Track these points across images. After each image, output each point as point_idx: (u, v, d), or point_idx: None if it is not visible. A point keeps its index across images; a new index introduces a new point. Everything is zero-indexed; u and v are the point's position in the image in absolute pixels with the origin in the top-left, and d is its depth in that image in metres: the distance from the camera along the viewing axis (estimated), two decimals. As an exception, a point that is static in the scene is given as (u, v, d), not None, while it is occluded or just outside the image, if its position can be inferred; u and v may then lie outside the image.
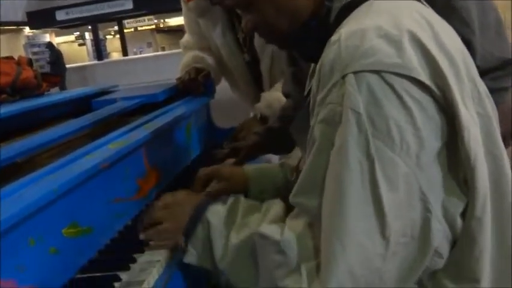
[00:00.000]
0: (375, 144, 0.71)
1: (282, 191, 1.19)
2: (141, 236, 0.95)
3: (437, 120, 0.73)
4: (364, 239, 0.71)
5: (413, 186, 0.72)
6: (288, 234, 0.81)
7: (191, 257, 0.91)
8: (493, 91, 0.85)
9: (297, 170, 1.20)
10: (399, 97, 0.71)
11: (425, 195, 0.72)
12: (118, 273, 0.88)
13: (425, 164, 0.72)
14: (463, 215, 0.75)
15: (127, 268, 0.90)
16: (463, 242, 0.76)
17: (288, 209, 0.91)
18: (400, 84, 0.71)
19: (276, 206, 0.91)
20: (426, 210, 0.73)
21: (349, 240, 0.71)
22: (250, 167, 1.22)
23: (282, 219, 0.88)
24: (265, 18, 0.87)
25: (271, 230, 0.83)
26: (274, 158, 1.84)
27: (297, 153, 1.38)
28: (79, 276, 0.89)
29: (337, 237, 0.72)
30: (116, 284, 0.85)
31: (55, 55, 11.35)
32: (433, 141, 0.73)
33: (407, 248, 0.73)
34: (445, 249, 0.76)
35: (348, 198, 0.71)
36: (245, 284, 0.86)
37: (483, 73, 0.89)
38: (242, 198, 0.95)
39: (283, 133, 1.42)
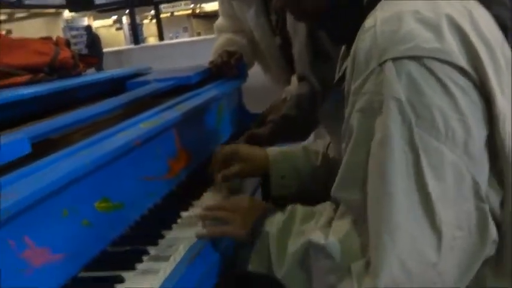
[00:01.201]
0: (419, 133, 0.69)
1: (305, 177, 1.19)
2: (203, 231, 0.94)
3: (480, 107, 0.71)
4: (414, 230, 0.69)
5: (463, 175, 0.70)
6: (330, 237, 0.79)
7: (252, 266, 0.90)
8: None
9: (324, 156, 1.20)
10: (441, 83, 0.69)
11: (478, 184, 0.70)
12: (147, 247, 0.90)
13: (474, 152, 0.70)
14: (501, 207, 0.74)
15: (155, 243, 0.92)
16: (501, 237, 0.74)
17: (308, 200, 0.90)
18: (442, 69, 0.69)
19: (326, 211, 0.88)
20: (480, 199, 0.71)
21: (398, 232, 0.69)
22: (272, 149, 1.20)
23: (330, 224, 0.86)
24: None
25: (317, 235, 0.81)
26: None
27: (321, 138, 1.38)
28: (109, 249, 0.92)
29: (386, 230, 0.70)
30: (144, 258, 0.87)
31: (92, 39, 11.55)
32: (480, 128, 0.71)
33: (465, 241, 0.70)
34: (497, 237, 0.73)
35: (393, 190, 0.69)
36: None
37: None
38: (299, 206, 0.93)
39: (298, 120, 1.42)
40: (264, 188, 1.20)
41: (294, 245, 0.85)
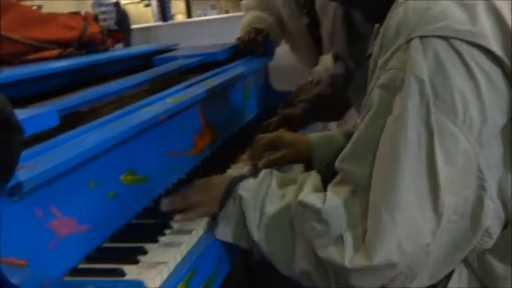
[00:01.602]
0: (436, 115, 0.68)
1: None
2: (177, 218, 0.91)
3: (505, 95, 0.69)
4: (416, 212, 0.69)
5: (471, 162, 0.69)
6: (331, 201, 0.77)
7: (224, 234, 0.87)
8: None
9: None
10: (467, 67, 0.68)
11: (482, 173, 0.69)
12: (170, 221, 0.92)
13: (486, 141, 0.69)
14: None
15: (179, 217, 0.93)
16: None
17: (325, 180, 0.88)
18: (470, 53, 0.68)
19: (312, 177, 0.87)
20: (481, 188, 0.70)
21: (400, 212, 0.69)
22: (314, 135, 1.19)
23: (321, 189, 0.84)
24: None
25: (311, 198, 0.79)
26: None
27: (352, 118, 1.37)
28: (134, 221, 0.94)
29: (388, 208, 0.69)
30: (167, 231, 0.89)
31: (121, 15, 11.59)
32: (498, 116, 0.70)
33: (456, 226, 0.70)
34: (495, 229, 0.73)
35: (401, 169, 0.69)
36: (281, 256, 0.82)
37: None
38: (275, 171, 0.91)
39: (332, 100, 1.40)
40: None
41: (272, 207, 0.83)
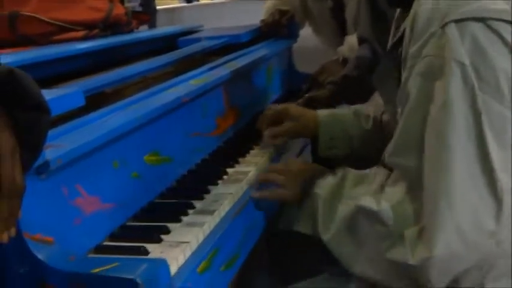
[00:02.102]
0: (482, 97, 0.67)
1: (355, 140, 1.16)
2: (255, 194, 0.94)
3: None
4: (473, 198, 0.68)
5: None
6: (386, 202, 0.77)
7: (298, 227, 0.89)
8: None
9: (380, 121, 1.17)
10: (507, 45, 0.67)
11: None
12: (192, 201, 0.93)
13: None
14: None
15: (201, 198, 0.95)
16: None
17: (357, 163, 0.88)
18: (508, 30, 0.67)
19: (378, 177, 0.86)
20: None
21: (456, 197, 0.68)
22: (322, 111, 1.18)
23: (382, 190, 0.83)
24: None
25: (368, 201, 0.79)
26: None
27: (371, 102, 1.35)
28: (157, 200, 0.95)
29: (443, 195, 0.68)
30: (190, 211, 0.90)
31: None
32: None
33: None
34: None
35: (453, 156, 0.68)
36: (348, 258, 0.82)
37: None
38: (351, 170, 0.91)
39: (359, 81, 1.39)
40: (314, 149, 1.19)
41: (344, 209, 0.83)
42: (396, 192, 0.78)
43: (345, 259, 0.83)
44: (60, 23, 1.36)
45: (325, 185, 0.88)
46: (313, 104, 1.38)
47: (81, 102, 0.82)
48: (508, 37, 0.67)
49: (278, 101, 1.63)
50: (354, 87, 1.40)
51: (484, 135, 0.67)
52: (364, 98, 1.44)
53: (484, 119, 0.67)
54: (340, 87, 1.40)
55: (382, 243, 0.76)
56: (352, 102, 1.56)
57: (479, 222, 0.68)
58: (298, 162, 1.02)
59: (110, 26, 1.46)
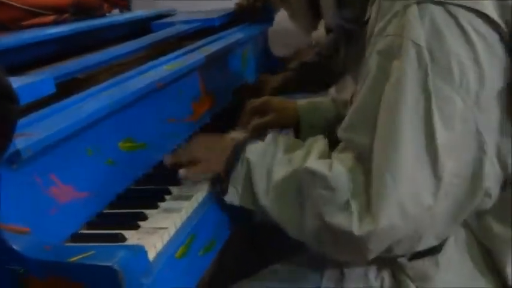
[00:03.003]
0: (434, 79, 0.68)
1: (333, 126, 1.18)
2: (181, 172, 0.91)
3: (502, 59, 0.70)
4: (416, 173, 0.70)
5: (470, 126, 0.70)
6: (337, 168, 0.77)
7: (232, 196, 0.87)
8: None
9: (350, 103, 1.19)
10: (463, 31, 0.68)
11: (481, 135, 0.70)
12: (169, 187, 0.92)
13: (485, 103, 0.70)
14: None
15: (178, 184, 0.94)
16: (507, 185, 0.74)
17: (333, 145, 0.87)
18: (466, 17, 0.68)
19: (319, 143, 0.87)
20: (480, 150, 0.71)
21: (401, 173, 0.70)
22: (301, 101, 1.20)
23: (327, 155, 0.84)
24: None
25: (318, 165, 0.79)
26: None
27: (349, 86, 1.36)
28: (133, 187, 0.94)
29: (389, 170, 0.70)
30: (167, 197, 0.90)
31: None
32: (496, 80, 0.70)
33: (459, 188, 0.72)
34: (495, 190, 0.74)
35: (401, 133, 0.70)
36: (289, 221, 0.82)
37: None
38: (281, 135, 0.91)
39: (319, 69, 1.40)
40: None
41: (280, 171, 0.83)
42: (347, 159, 0.78)
43: (284, 223, 0.83)
44: (30, 8, 1.33)
45: (255, 150, 0.87)
46: (263, 85, 1.39)
47: (51, 89, 0.80)
48: (465, 23, 0.68)
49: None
50: (312, 75, 1.41)
51: (431, 115, 0.69)
52: (320, 87, 1.45)
53: (433, 100, 0.69)
54: (299, 74, 1.41)
55: (325, 207, 0.76)
56: (310, 90, 1.57)
57: (419, 197, 0.70)
58: (222, 135, 1.01)
59: (81, 10, 1.43)
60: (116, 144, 0.93)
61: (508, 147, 0.73)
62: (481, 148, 0.71)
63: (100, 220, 0.85)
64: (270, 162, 0.85)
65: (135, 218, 0.82)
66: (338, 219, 0.75)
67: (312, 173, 0.78)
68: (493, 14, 0.68)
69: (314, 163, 0.80)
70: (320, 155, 0.84)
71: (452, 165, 0.70)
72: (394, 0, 0.72)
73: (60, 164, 0.79)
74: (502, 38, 0.69)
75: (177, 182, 0.94)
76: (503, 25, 0.69)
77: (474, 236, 0.79)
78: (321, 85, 1.45)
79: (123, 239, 0.76)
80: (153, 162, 1.03)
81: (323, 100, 1.21)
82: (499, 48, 0.69)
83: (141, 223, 0.81)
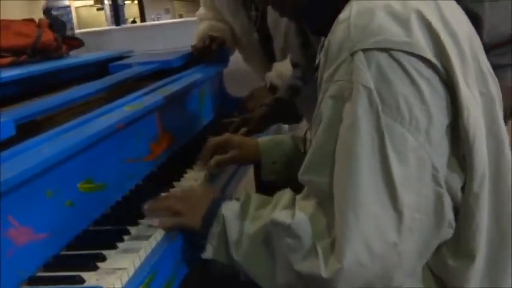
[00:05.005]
0: (385, 119, 0.73)
1: (293, 162, 1.20)
2: (155, 223, 0.93)
3: (443, 97, 0.75)
4: (377, 209, 0.72)
5: (424, 161, 0.73)
6: (298, 216, 0.80)
7: (208, 252, 0.90)
8: (496, 67, 0.87)
9: (304, 140, 1.24)
10: (407, 74, 0.73)
11: (436, 170, 0.74)
12: (128, 227, 0.93)
13: (436, 139, 0.74)
14: (462, 190, 0.78)
15: (136, 223, 0.95)
16: (461, 217, 0.78)
17: (298, 193, 0.90)
18: (408, 61, 0.73)
19: (286, 195, 0.91)
20: (438, 184, 0.75)
21: (362, 210, 0.72)
22: (262, 138, 1.24)
23: (292, 205, 0.86)
24: None
25: (281, 215, 0.82)
26: (285, 128, 1.88)
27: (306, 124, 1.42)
28: (92, 228, 0.95)
29: (351, 208, 0.73)
30: (125, 237, 0.90)
31: (54, 21, 11.31)
32: (442, 117, 0.75)
33: (422, 223, 0.74)
34: (453, 221, 0.78)
35: (359, 170, 0.73)
36: (262, 275, 0.85)
37: (488, 49, 0.90)
38: (254, 194, 0.95)
39: (292, 103, 1.46)
40: (257, 175, 1.23)
41: (251, 227, 0.87)
42: (308, 206, 0.82)
43: (257, 278, 0.86)
44: (-14, 50, 1.33)
45: (230, 207, 0.90)
46: (247, 124, 1.43)
47: (11, 131, 0.81)
48: (407, 66, 0.73)
49: (210, 125, 1.66)
50: (286, 109, 1.46)
51: (386, 152, 0.73)
52: (296, 118, 1.51)
53: (387, 138, 0.73)
54: (273, 109, 1.46)
55: (293, 256, 0.79)
56: (285, 122, 1.63)
57: (383, 234, 0.73)
58: (199, 188, 1.05)
59: (38, 52, 1.44)
60: (75, 186, 0.94)
61: (457, 181, 0.77)
62: (437, 182, 0.75)
63: (57, 262, 0.84)
64: (243, 218, 0.89)
65: (93, 259, 0.82)
66: (306, 265, 0.77)
67: (277, 224, 0.82)
68: (431, 56, 0.74)
69: (278, 214, 0.83)
70: (285, 206, 0.87)
71: (412, 199, 0.73)
72: (340, 49, 0.77)
73: (18, 206, 0.79)
74: (440, 78, 0.75)
75: (135, 222, 0.95)
76: (440, 66, 0.75)
77: (429, 268, 0.82)
78: (293, 119, 1.51)
79: (81, 280, 0.76)
80: (111, 202, 1.04)
81: (283, 137, 1.25)
82: (440, 88, 0.75)
83: (99, 264, 0.81)
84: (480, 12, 1.04)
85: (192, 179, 1.18)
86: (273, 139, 1.24)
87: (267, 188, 1.02)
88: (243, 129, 1.42)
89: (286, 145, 1.22)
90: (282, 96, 1.48)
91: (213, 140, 1.22)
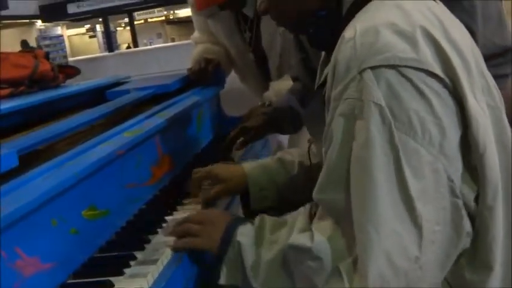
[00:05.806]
0: (398, 135, 0.73)
1: (283, 187, 1.20)
2: (173, 246, 0.94)
3: (454, 110, 0.76)
4: (397, 225, 0.73)
5: (440, 174, 0.74)
6: (317, 238, 0.81)
7: (223, 277, 0.90)
8: (495, 77, 0.87)
9: (300, 164, 1.22)
10: (417, 89, 0.74)
11: (453, 182, 0.75)
12: (134, 252, 0.93)
13: (449, 151, 0.75)
14: (475, 201, 0.78)
15: (142, 248, 0.95)
16: (476, 229, 0.78)
17: (311, 216, 0.91)
18: (417, 76, 0.74)
19: (300, 217, 0.91)
20: (454, 196, 0.75)
21: (382, 227, 0.72)
22: (248, 164, 1.21)
23: (307, 228, 0.87)
24: (277, 3, 0.91)
25: (300, 239, 0.83)
26: (284, 141, 1.89)
27: (296, 147, 1.43)
28: (98, 255, 0.95)
29: (371, 225, 0.73)
30: (132, 263, 0.90)
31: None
32: (454, 129, 0.76)
33: (442, 235, 0.75)
34: (471, 230, 0.78)
35: (376, 188, 0.73)
36: None
37: (484, 60, 0.91)
38: (267, 216, 0.95)
39: (290, 113, 1.46)
40: (244, 203, 1.22)
41: (268, 253, 0.87)
42: (326, 227, 0.83)
43: None
44: (-16, 82, 1.35)
45: (245, 233, 0.91)
46: (245, 133, 1.43)
47: (14, 162, 0.81)
48: (417, 81, 0.74)
49: (209, 146, 1.67)
50: (284, 118, 1.47)
51: (402, 167, 0.74)
52: (294, 129, 1.51)
53: (401, 153, 0.74)
54: (272, 118, 1.46)
55: (316, 278, 0.80)
56: (282, 132, 1.64)
57: (405, 249, 0.73)
58: (216, 211, 1.05)
59: (36, 82, 1.45)
60: (80, 213, 0.94)
61: (469, 192, 0.78)
62: (454, 194, 0.75)
63: (65, 291, 0.84)
64: (259, 244, 0.89)
65: (101, 286, 0.82)
66: (331, 286, 0.78)
67: (296, 248, 0.83)
68: (439, 71, 0.75)
69: (296, 237, 0.84)
70: (302, 228, 0.87)
71: (430, 212, 0.74)
72: (348, 68, 0.77)
73: (25, 237, 0.79)
74: (449, 91, 0.76)
75: (141, 247, 0.95)
76: (447, 79, 0.76)
77: (446, 281, 0.81)
78: (291, 129, 1.51)
79: (90, 308, 0.76)
80: (116, 228, 1.04)
81: (270, 162, 1.23)
82: (449, 101, 0.76)
83: (108, 291, 0.81)
84: (474, 28, 1.06)
85: (196, 201, 1.18)
86: (259, 165, 1.22)
87: (254, 216, 1.01)
88: (241, 139, 1.43)
89: (273, 169, 1.21)
90: (281, 105, 1.48)
91: (199, 172, 1.19)
